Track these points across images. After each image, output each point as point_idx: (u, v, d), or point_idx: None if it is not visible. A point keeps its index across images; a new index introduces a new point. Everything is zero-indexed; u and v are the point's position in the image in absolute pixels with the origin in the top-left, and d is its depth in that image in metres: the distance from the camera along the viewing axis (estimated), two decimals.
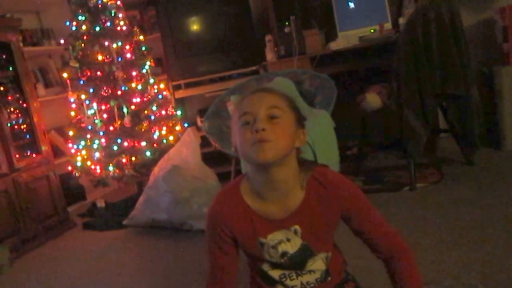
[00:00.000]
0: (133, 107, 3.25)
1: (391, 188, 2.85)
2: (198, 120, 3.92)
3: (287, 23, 3.66)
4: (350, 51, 3.40)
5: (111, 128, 3.21)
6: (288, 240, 1.17)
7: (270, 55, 3.72)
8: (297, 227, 1.16)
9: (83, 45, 3.31)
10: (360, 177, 3.17)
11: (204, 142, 3.25)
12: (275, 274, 1.22)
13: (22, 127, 3.33)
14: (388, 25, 3.43)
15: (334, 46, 3.45)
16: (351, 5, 3.58)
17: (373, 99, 2.92)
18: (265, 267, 1.22)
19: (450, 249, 1.94)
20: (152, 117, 3.34)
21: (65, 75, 3.37)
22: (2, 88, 3.20)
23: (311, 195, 1.16)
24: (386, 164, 3.35)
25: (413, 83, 2.63)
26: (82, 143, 3.26)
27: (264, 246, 1.18)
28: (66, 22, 3.43)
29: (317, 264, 1.20)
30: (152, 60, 3.57)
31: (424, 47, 2.60)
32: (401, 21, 3.32)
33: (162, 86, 3.58)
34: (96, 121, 3.19)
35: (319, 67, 3.44)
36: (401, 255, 1.20)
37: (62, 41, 3.59)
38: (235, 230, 1.19)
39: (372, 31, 3.44)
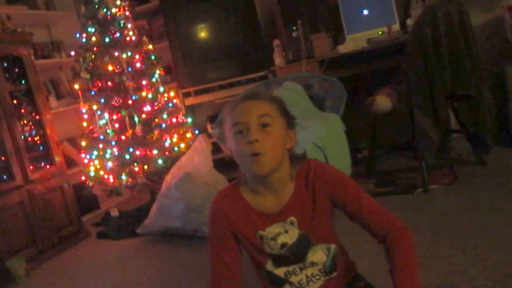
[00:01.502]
0: (144, 116, 3.28)
1: (404, 191, 2.83)
2: (209, 127, 3.94)
3: (294, 28, 3.67)
4: (359, 54, 3.39)
5: (123, 137, 3.23)
6: (286, 231, 1.23)
7: (278, 60, 3.73)
8: (292, 218, 1.22)
9: (93, 56, 3.34)
10: (372, 179, 3.15)
11: (215, 149, 3.26)
12: (280, 272, 1.25)
13: (35, 139, 3.38)
14: (396, 27, 3.42)
15: (342, 49, 3.45)
16: (365, 12, 3.57)
17: (383, 101, 2.91)
18: (269, 267, 1.26)
19: (464, 251, 1.93)
20: (163, 125, 3.36)
21: (76, 86, 3.40)
22: (15, 101, 3.25)
23: (299, 185, 1.23)
24: (398, 166, 3.33)
25: (423, 84, 2.61)
26: (95, 153, 3.29)
27: (264, 239, 1.24)
28: (76, 34, 3.47)
29: (318, 255, 1.24)
30: (161, 69, 3.59)
31: (433, 48, 2.59)
32: (409, 22, 3.30)
33: (172, 94, 3.60)
34: (108, 131, 3.21)
35: (328, 71, 3.44)
36: (396, 234, 1.21)
37: (72, 53, 3.64)
38: (236, 225, 1.25)
39: (380, 33, 3.43)
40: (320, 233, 1.25)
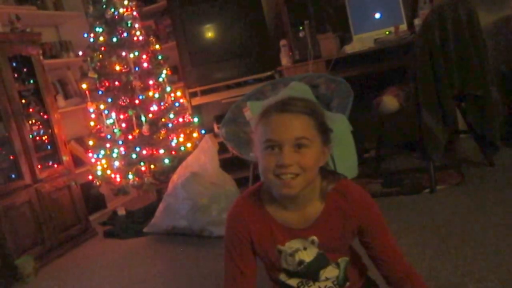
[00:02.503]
0: (150, 115, 3.29)
1: (411, 191, 2.82)
2: (215, 127, 3.94)
3: (301, 28, 3.67)
4: (366, 54, 3.38)
5: (130, 137, 3.25)
6: (305, 249, 1.18)
7: (285, 60, 3.73)
8: (314, 237, 1.17)
9: (100, 56, 3.37)
10: (378, 179, 3.14)
11: (222, 148, 3.26)
12: (293, 282, 1.23)
13: (43, 138, 3.40)
14: (403, 27, 3.41)
15: (349, 49, 3.44)
16: (372, 12, 3.56)
17: (390, 101, 2.90)
18: (282, 277, 1.23)
19: (473, 252, 1.91)
20: (170, 125, 3.37)
21: (84, 86, 3.43)
22: (24, 101, 3.27)
23: (331, 207, 1.17)
24: (405, 167, 3.32)
25: (430, 84, 2.60)
26: (102, 152, 3.31)
27: (282, 254, 1.19)
28: (84, 34, 3.49)
29: (330, 270, 1.21)
30: (168, 69, 3.61)
31: (441, 48, 2.57)
32: (417, 22, 3.29)
33: (178, 94, 3.61)
34: (115, 131, 3.23)
35: (335, 71, 3.43)
36: (412, 276, 1.21)
37: (80, 53, 3.66)
38: (254, 235, 1.20)
39: (387, 33, 3.42)
40: (339, 253, 1.22)
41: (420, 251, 2.02)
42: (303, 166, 1.07)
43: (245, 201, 1.23)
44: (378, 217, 1.21)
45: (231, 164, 3.49)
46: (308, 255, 1.18)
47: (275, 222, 1.19)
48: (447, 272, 1.79)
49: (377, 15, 3.56)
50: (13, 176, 3.08)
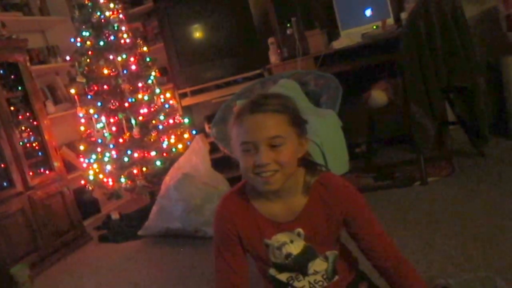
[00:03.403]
0: (141, 118, 3.28)
1: (402, 184, 2.84)
2: (206, 127, 3.94)
3: (288, 25, 3.67)
4: (354, 49, 3.39)
5: (121, 140, 3.24)
6: (292, 241, 1.20)
7: (273, 58, 3.73)
8: (300, 230, 1.19)
9: (88, 60, 3.35)
10: (370, 174, 3.16)
11: (213, 148, 3.27)
12: (283, 277, 1.24)
13: (34, 145, 3.38)
14: (390, 21, 3.43)
15: (337, 45, 3.45)
16: (368, 12, 3.56)
17: (379, 95, 2.92)
18: (272, 271, 1.25)
19: (465, 243, 1.93)
20: (160, 127, 3.36)
21: (72, 91, 3.41)
22: (12, 108, 3.25)
23: (315, 199, 1.19)
24: (396, 160, 3.34)
25: (418, 77, 2.61)
26: (94, 157, 3.30)
27: (269, 247, 1.21)
28: (71, 39, 3.47)
29: (318, 264, 1.23)
30: (157, 70, 3.60)
31: (427, 41, 2.59)
32: (403, 16, 3.31)
33: (168, 95, 3.61)
34: (106, 134, 3.22)
35: (323, 67, 3.44)
36: (402, 264, 1.23)
37: (68, 58, 3.64)
38: (241, 230, 1.22)
39: (374, 27, 3.43)
40: (326, 245, 1.23)
41: (412, 243, 2.04)
42: (280, 163, 1.09)
43: (231, 199, 1.25)
44: (363, 207, 1.23)
45: (222, 163, 3.49)
46: (295, 248, 1.20)
47: (261, 217, 1.21)
48: (439, 263, 1.81)
49: (364, 10, 3.57)
50: (4, 184, 3.06)
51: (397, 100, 2.79)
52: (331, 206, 1.18)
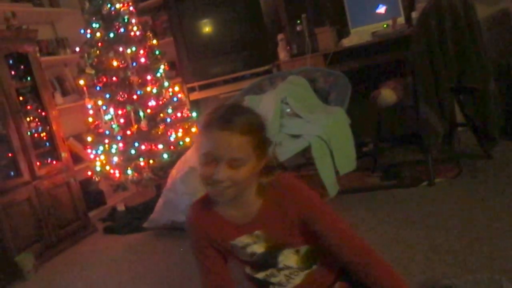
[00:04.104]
0: (149, 110, 3.29)
1: (409, 184, 2.82)
2: None
3: (298, 22, 3.66)
4: (364, 47, 3.38)
5: (128, 132, 3.25)
6: (255, 242, 1.25)
7: (282, 54, 3.72)
8: (258, 232, 1.24)
9: (98, 52, 3.36)
10: (377, 173, 3.15)
11: None
12: (260, 276, 1.29)
13: (41, 135, 3.40)
14: (401, 20, 3.41)
15: (347, 42, 3.44)
16: (379, 10, 3.54)
17: (388, 94, 2.90)
18: (248, 270, 1.31)
19: (471, 244, 1.92)
20: (168, 120, 3.37)
21: (81, 82, 3.42)
22: (21, 98, 3.27)
23: (269, 201, 1.22)
24: (403, 160, 3.32)
25: (428, 77, 2.60)
26: (101, 148, 3.31)
27: (234, 248, 1.27)
28: (80, 30, 3.48)
29: (288, 258, 1.26)
30: (166, 64, 3.60)
31: (438, 41, 2.57)
32: (414, 15, 3.29)
33: (176, 88, 3.61)
34: (113, 126, 3.23)
35: (333, 65, 3.43)
36: (372, 257, 1.22)
37: (77, 49, 3.64)
38: (210, 235, 1.28)
39: (385, 26, 3.42)
40: (290, 241, 1.26)
41: (418, 243, 2.03)
42: (236, 181, 1.13)
43: (196, 208, 1.32)
44: (318, 205, 1.24)
45: None
46: (259, 248, 1.25)
47: (224, 221, 1.26)
48: (445, 264, 1.80)
49: (375, 8, 3.55)
50: (12, 173, 3.08)
51: (406, 99, 2.78)
52: (285, 208, 1.21)
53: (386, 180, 2.99)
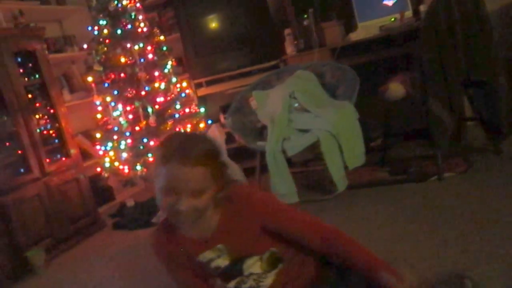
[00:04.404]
0: (157, 106, 3.29)
1: (418, 179, 2.81)
2: (221, 117, 3.95)
3: (305, 16, 3.65)
4: (371, 41, 3.35)
5: (137, 128, 3.25)
6: (219, 256, 1.27)
7: (289, 49, 3.71)
8: (220, 245, 1.26)
9: (105, 48, 3.35)
10: (385, 168, 3.14)
11: (229, 138, 3.27)
12: (231, 285, 1.31)
13: (50, 132, 3.42)
14: (409, 13, 3.38)
15: (354, 37, 3.42)
16: (386, 4, 3.51)
17: (396, 88, 2.88)
18: (218, 282, 1.33)
19: (479, 239, 1.91)
20: (176, 116, 3.37)
21: (89, 79, 3.42)
22: (30, 96, 3.29)
23: (226, 214, 1.25)
24: (411, 154, 3.31)
25: (437, 70, 2.58)
26: (109, 144, 3.32)
27: (201, 264, 1.29)
28: (87, 27, 3.49)
29: (253, 266, 1.29)
30: (173, 60, 3.60)
31: (447, 34, 2.55)
32: (422, 8, 3.26)
33: (184, 84, 3.60)
34: (122, 122, 3.24)
35: (340, 59, 3.41)
36: (336, 236, 1.25)
37: (85, 46, 3.66)
38: (178, 256, 1.31)
39: (392, 20, 3.39)
40: (254, 250, 1.28)
41: (428, 238, 2.02)
42: (198, 209, 1.17)
43: (159, 234, 1.34)
44: (273, 206, 1.27)
45: (238, 153, 3.49)
46: (222, 261, 1.27)
47: (187, 239, 1.28)
48: (454, 259, 1.80)
49: (382, 2, 3.53)
50: (21, 170, 3.10)
51: (415, 93, 2.76)
52: (244, 218, 1.24)
53: (394, 175, 2.98)
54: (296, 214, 1.28)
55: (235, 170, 3.08)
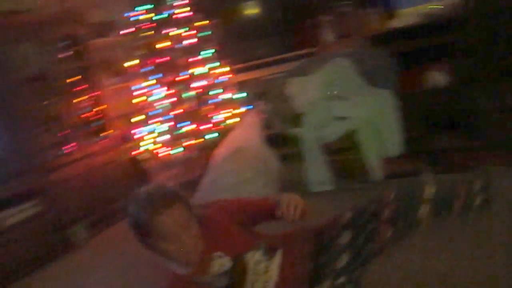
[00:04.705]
0: (196, 91, 3.34)
1: (457, 170, 2.74)
2: (258, 103, 3.96)
3: (344, 3, 3.60)
4: (412, 28, 3.28)
5: (176, 112, 3.31)
6: (221, 261, 1.32)
7: (327, 36, 3.68)
8: (217, 252, 1.32)
9: (146, 33, 3.41)
10: (423, 158, 3.07)
11: (265, 124, 3.28)
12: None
13: (92, 114, 3.52)
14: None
15: (394, 24, 3.35)
16: None
17: (437, 77, 2.83)
18: None
19: None
20: (215, 100, 3.41)
21: (130, 63, 3.50)
22: (73, 79, 3.38)
23: (206, 225, 1.35)
24: (451, 145, 3.22)
25: (485, 59, 2.50)
26: (148, 128, 3.39)
27: (210, 283, 1.32)
28: (129, 12, 3.54)
29: (253, 256, 1.33)
30: (213, 45, 3.62)
31: (497, 21, 2.46)
32: None
33: (224, 69, 3.62)
34: (162, 106, 3.30)
35: (379, 47, 3.35)
36: (265, 202, 1.43)
37: (125, 31, 3.72)
38: None
39: (434, 7, 3.30)
40: (245, 245, 1.35)
41: (464, 232, 1.98)
42: (198, 233, 1.30)
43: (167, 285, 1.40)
44: (232, 203, 1.50)
45: (274, 139, 3.50)
46: (227, 262, 1.32)
47: (188, 279, 1.32)
48: (491, 253, 1.76)
49: None
50: (64, 151, 3.22)
51: (457, 82, 2.69)
52: (217, 223, 1.37)
53: (432, 165, 2.93)
54: (245, 199, 1.49)
55: (270, 157, 3.10)
